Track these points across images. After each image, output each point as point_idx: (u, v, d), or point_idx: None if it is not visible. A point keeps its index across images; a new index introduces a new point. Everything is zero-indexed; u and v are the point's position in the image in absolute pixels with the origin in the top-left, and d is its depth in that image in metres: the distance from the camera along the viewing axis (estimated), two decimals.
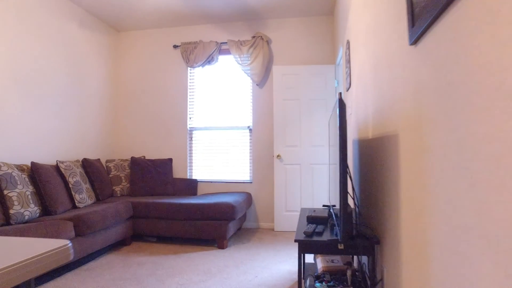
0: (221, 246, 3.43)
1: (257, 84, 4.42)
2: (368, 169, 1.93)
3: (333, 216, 1.90)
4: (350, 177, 1.78)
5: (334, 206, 2.31)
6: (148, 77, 4.77)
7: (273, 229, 4.29)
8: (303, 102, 4.26)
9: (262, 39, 4.36)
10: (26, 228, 2.32)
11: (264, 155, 4.44)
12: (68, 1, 3.90)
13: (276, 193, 4.24)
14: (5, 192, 2.71)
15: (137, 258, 3.13)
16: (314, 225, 1.78)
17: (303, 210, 2.43)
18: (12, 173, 2.83)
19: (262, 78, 4.42)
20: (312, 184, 4.19)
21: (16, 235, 2.19)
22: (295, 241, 1.61)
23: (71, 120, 3.94)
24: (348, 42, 2.86)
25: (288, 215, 4.21)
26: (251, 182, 4.46)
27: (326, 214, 2.01)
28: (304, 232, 1.67)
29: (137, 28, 4.78)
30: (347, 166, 1.48)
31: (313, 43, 4.39)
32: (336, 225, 1.67)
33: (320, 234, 1.69)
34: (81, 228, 2.79)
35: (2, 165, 2.79)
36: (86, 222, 2.83)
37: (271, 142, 4.44)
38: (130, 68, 4.84)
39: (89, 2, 3.98)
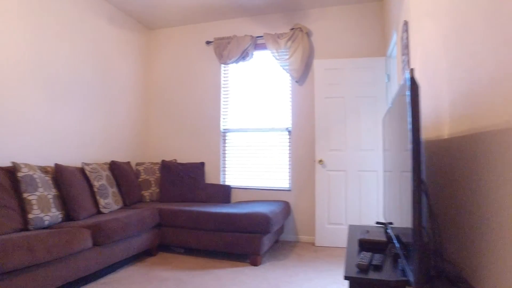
0: (254, 263, 3.02)
1: (296, 81, 4.00)
2: (443, 181, 1.43)
3: (395, 240, 1.42)
4: (427, 193, 1.30)
5: (391, 224, 1.81)
6: (180, 76, 4.53)
7: (313, 244, 3.81)
8: (348, 100, 3.76)
9: (302, 31, 3.93)
10: (33, 237, 2.08)
11: (305, 160, 3.98)
12: None
13: (318, 203, 3.76)
14: (24, 195, 2.53)
15: (160, 272, 2.82)
16: (369, 254, 1.32)
17: (352, 228, 1.96)
18: (34, 175, 2.65)
19: (302, 74, 3.99)
20: (360, 194, 3.66)
21: (18, 244, 1.95)
22: (346, 278, 1.16)
23: (100, 120, 3.78)
24: (405, 24, 2.35)
25: (331, 228, 3.71)
26: (289, 190, 4.02)
27: (384, 238, 1.53)
28: (358, 266, 1.21)
29: (168, 26, 4.57)
30: (422, 179, 1.02)
31: (359, 33, 3.88)
32: (403, 256, 1.20)
33: (379, 268, 1.23)
34: (99, 237, 2.54)
35: (23, 166, 2.62)
36: (105, 230, 2.57)
37: (312, 145, 3.97)
38: (162, 67, 4.64)
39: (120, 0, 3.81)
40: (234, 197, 4.18)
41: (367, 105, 3.71)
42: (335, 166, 3.75)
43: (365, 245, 1.49)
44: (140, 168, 3.98)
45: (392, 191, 1.64)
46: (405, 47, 2.37)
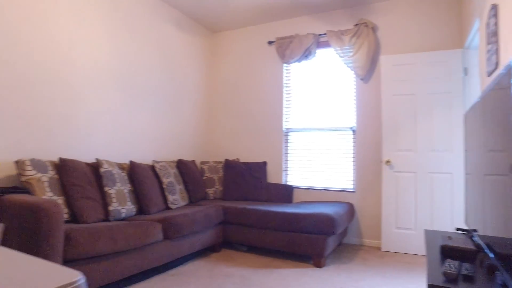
0: (318, 265, 2.96)
1: (361, 79, 3.83)
2: None
3: (487, 250, 1.28)
4: None
5: (475, 231, 1.64)
6: (243, 77, 4.62)
7: (379, 248, 3.62)
8: (419, 97, 3.50)
9: (367, 26, 3.76)
10: (115, 227, 2.26)
11: (370, 161, 3.80)
12: (167, 4, 3.98)
13: (385, 206, 3.56)
14: (106, 189, 2.77)
15: (225, 268, 2.89)
16: (456, 262, 1.20)
17: (429, 233, 1.81)
18: (113, 171, 2.89)
19: (367, 71, 3.81)
20: (432, 197, 3.39)
21: (103, 232, 2.13)
22: (430, 287, 1.07)
23: (168, 121, 4.00)
24: (494, 8, 2.12)
25: (399, 233, 3.49)
26: (353, 191, 3.87)
27: (471, 245, 1.39)
28: (445, 274, 1.10)
29: (231, 28, 4.68)
30: None
31: (430, 25, 3.59)
32: (502, 268, 1.07)
33: (470, 279, 1.10)
34: (169, 230, 2.68)
35: (104, 163, 2.87)
36: (174, 225, 2.71)
37: (379, 145, 3.78)
38: (225, 69, 4.77)
39: (185, 4, 4.00)
40: (296, 197, 4.14)
41: (440, 102, 3.43)
42: (404, 167, 3.52)
43: (450, 252, 1.36)
44: (205, 166, 4.13)
45: (480, 196, 1.48)
46: (493, 35, 2.13)
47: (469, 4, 3.01)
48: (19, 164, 2.31)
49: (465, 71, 3.35)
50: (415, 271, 2.89)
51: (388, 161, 3.56)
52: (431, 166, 3.42)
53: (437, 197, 3.38)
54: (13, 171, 2.47)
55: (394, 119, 3.58)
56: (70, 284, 0.54)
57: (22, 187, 2.25)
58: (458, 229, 1.84)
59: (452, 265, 1.16)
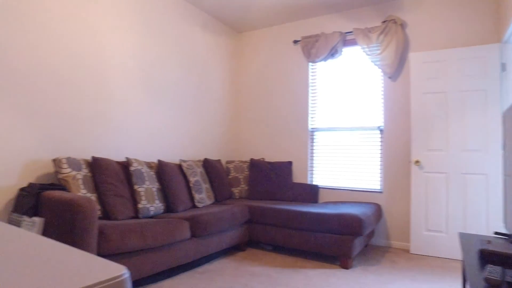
0: (345, 266, 2.91)
1: (389, 77, 3.74)
2: None
3: None
4: None
5: None
6: (268, 76, 4.62)
7: (408, 251, 3.52)
8: (451, 95, 3.38)
9: (395, 22, 3.66)
10: (144, 224, 2.32)
11: (398, 161, 3.71)
12: (193, 6, 4.03)
13: (414, 207, 3.46)
14: (135, 187, 2.85)
15: (250, 267, 2.90)
16: (498, 268, 1.15)
17: (464, 236, 1.74)
18: (142, 169, 2.97)
19: (396, 69, 3.71)
20: (465, 199, 3.26)
21: (133, 229, 2.19)
22: None
23: (194, 121, 4.06)
24: None
25: (429, 235, 3.38)
26: (381, 192, 3.78)
27: None
28: (488, 281, 1.05)
29: (257, 28, 4.69)
30: None
31: (463, 19, 3.45)
32: None
33: None
34: (196, 229, 2.72)
35: (134, 161, 2.95)
36: (202, 223, 2.74)
37: (407, 145, 3.68)
38: (250, 68, 4.78)
39: (211, 6, 4.04)
40: (322, 197, 4.09)
41: (474, 100, 3.29)
42: (434, 167, 3.41)
43: (490, 257, 1.30)
44: (230, 166, 4.17)
45: None
46: None
47: None
48: (56, 162, 2.41)
49: (503, 66, 3.20)
50: (447, 276, 2.79)
51: (417, 161, 3.46)
52: (464, 167, 3.29)
53: (471, 199, 3.24)
54: (50, 168, 2.59)
55: (424, 118, 3.47)
56: (116, 277, 0.56)
57: (59, 184, 2.35)
58: (496, 233, 1.76)
59: (494, 271, 1.11)
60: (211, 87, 4.33)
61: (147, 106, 3.45)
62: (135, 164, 2.93)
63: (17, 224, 2.14)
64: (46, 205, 2.06)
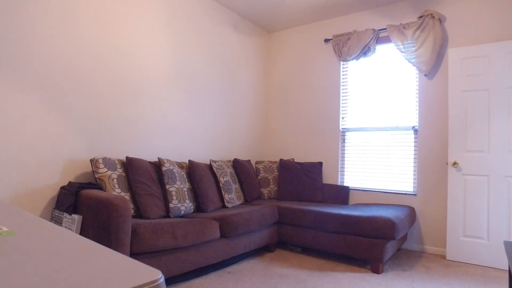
0: (376, 270, 2.83)
1: (425, 75, 3.59)
2: None
3: None
4: None
5: None
6: (299, 76, 4.57)
7: (444, 257, 3.37)
8: (494, 93, 3.18)
9: (433, 17, 3.50)
10: (175, 223, 2.37)
11: (434, 162, 3.55)
12: (224, 7, 4.07)
13: (450, 211, 3.30)
14: (167, 186, 2.92)
15: (279, 269, 2.89)
16: None
17: (510, 245, 1.63)
18: (173, 169, 3.04)
19: (432, 67, 3.55)
20: (509, 204, 3.06)
21: (165, 228, 2.25)
22: None
23: (225, 121, 4.10)
24: None
25: (468, 241, 3.21)
26: (414, 195, 3.64)
27: None
28: None
29: (287, 27, 4.66)
30: None
31: (506, 11, 3.24)
32: None
33: None
34: (226, 229, 2.74)
35: (165, 161, 3.02)
36: (231, 223, 2.77)
37: (444, 145, 3.51)
38: (281, 68, 4.76)
39: (242, 7, 4.06)
40: (352, 199, 4.01)
41: None
42: (474, 170, 3.23)
43: None
44: (260, 166, 4.17)
45: None
46: None
47: None
48: (93, 162, 2.52)
49: None
50: (489, 285, 2.64)
51: (455, 163, 3.29)
52: (508, 169, 3.09)
53: None
54: (88, 168, 2.71)
55: (463, 117, 3.30)
56: (153, 282, 0.57)
57: (95, 184, 2.46)
58: None
59: None
60: (241, 88, 4.36)
61: (178, 108, 3.53)
62: (167, 164, 3.00)
63: (59, 220, 2.26)
64: (84, 203, 2.17)
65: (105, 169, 2.54)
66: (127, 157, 2.75)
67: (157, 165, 3.05)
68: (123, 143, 3.00)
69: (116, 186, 2.57)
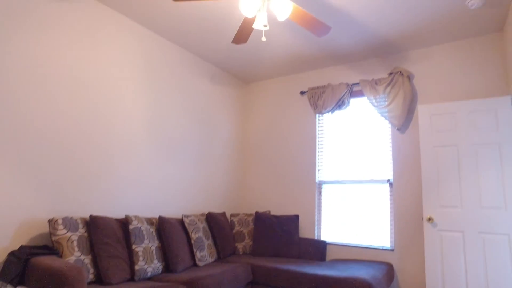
0: None
1: (397, 129, 3.66)
2: None
3: None
4: None
5: None
6: (275, 127, 4.60)
7: None
8: (463, 149, 3.25)
9: (402, 74, 3.65)
10: None
11: (410, 217, 3.52)
12: (200, 59, 4.14)
13: (428, 269, 3.21)
14: (133, 246, 2.75)
15: None
16: None
17: None
18: (141, 227, 2.88)
19: (404, 121, 3.64)
20: (485, 262, 3.01)
21: None
22: None
23: (200, 172, 4.01)
24: None
25: None
26: (392, 250, 3.56)
27: None
28: None
29: (264, 78, 4.77)
30: None
31: (472, 71, 3.41)
32: None
33: None
34: None
35: (133, 219, 2.87)
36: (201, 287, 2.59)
37: (419, 199, 3.51)
38: (257, 119, 4.79)
39: (219, 59, 4.15)
40: (330, 253, 3.88)
41: (487, 154, 3.14)
42: (449, 225, 3.20)
43: None
44: (235, 219, 4.04)
45: None
46: None
47: None
48: (51, 223, 2.36)
49: None
50: None
51: (430, 219, 3.26)
52: (482, 226, 3.08)
53: (492, 263, 2.99)
54: (46, 228, 2.53)
55: (435, 172, 3.33)
56: None
57: (51, 247, 2.28)
58: None
59: None
60: (217, 138, 4.33)
61: (153, 160, 3.44)
62: (134, 222, 2.85)
63: None
64: (33, 273, 1.98)
65: (65, 231, 2.37)
66: (90, 216, 2.60)
67: (124, 223, 2.89)
68: (89, 200, 2.85)
69: (76, 249, 2.39)
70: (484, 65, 3.37)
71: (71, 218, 2.49)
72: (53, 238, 2.33)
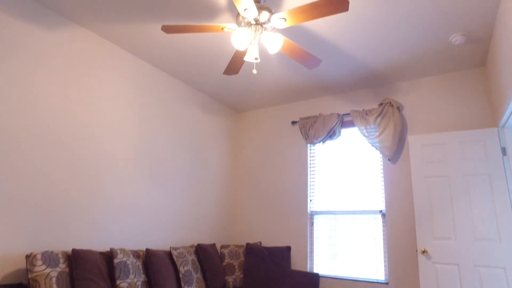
0: None
1: (389, 159, 3.67)
2: None
3: None
4: None
5: None
6: (267, 156, 4.58)
7: None
8: (454, 180, 3.25)
9: (392, 105, 3.70)
10: None
11: (404, 248, 3.45)
12: (192, 88, 4.17)
13: None
14: (118, 282, 2.61)
15: None
16: None
17: None
18: (127, 261, 2.76)
19: (395, 152, 3.65)
20: None
21: None
22: None
23: (190, 203, 3.92)
24: None
25: None
26: (386, 283, 3.45)
27: None
28: None
29: (255, 108, 4.79)
30: None
31: (459, 103, 3.48)
32: None
33: None
34: None
35: (119, 252, 2.75)
36: None
37: (412, 231, 3.45)
38: (249, 148, 4.77)
39: (211, 88, 4.18)
40: (323, 286, 3.75)
41: (478, 185, 3.14)
42: (444, 258, 3.14)
43: None
44: (225, 251, 3.91)
45: None
46: None
47: (499, 83, 2.89)
48: (29, 259, 2.24)
49: (503, 151, 3.11)
50: None
51: (424, 251, 3.20)
52: (477, 258, 3.02)
53: None
54: (23, 264, 2.40)
55: (428, 203, 3.30)
56: None
57: (26, 285, 2.15)
58: None
59: None
60: (209, 168, 4.28)
61: (141, 191, 3.35)
62: (120, 256, 2.73)
63: None
64: None
65: (43, 267, 2.25)
66: (73, 250, 2.48)
67: (110, 256, 2.76)
68: (73, 232, 2.74)
69: (55, 286, 2.26)
70: (470, 98, 3.44)
71: (51, 252, 2.38)
72: (30, 275, 2.20)
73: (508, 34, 2.40)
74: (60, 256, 2.42)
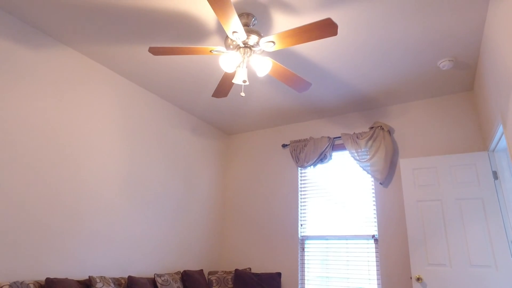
0: None
1: (380, 183, 3.61)
2: None
3: None
4: None
5: None
6: (257, 180, 4.49)
7: None
8: (447, 204, 3.19)
9: (382, 129, 3.69)
10: None
11: (397, 275, 3.33)
12: (182, 110, 4.12)
13: None
14: None
15: None
16: None
17: None
18: None
19: (386, 175, 3.60)
20: None
21: None
22: None
23: (177, 227, 3.78)
24: None
25: None
26: None
27: None
28: None
29: (245, 130, 4.75)
30: None
31: (449, 127, 3.48)
32: None
33: None
34: None
35: (98, 280, 2.61)
36: None
37: (406, 257, 3.35)
38: (239, 171, 4.69)
39: (201, 111, 4.14)
40: None
41: (471, 209, 3.09)
42: (439, 286, 3.02)
43: None
44: (213, 277, 3.75)
45: None
46: None
47: (488, 108, 2.90)
48: None
49: (495, 175, 3.08)
50: None
51: (419, 278, 3.09)
52: (473, 286, 2.92)
53: None
54: None
55: (421, 227, 3.22)
56: None
57: None
58: None
59: None
60: (197, 191, 4.17)
61: (126, 215, 3.22)
62: (99, 284, 2.58)
63: None
64: None
65: None
66: (47, 279, 2.33)
67: (88, 285, 2.61)
68: (48, 260, 2.58)
69: None
70: (459, 121, 3.45)
71: (21, 282, 2.22)
72: None
73: (493, 60, 2.43)
74: (32, 286, 2.27)
